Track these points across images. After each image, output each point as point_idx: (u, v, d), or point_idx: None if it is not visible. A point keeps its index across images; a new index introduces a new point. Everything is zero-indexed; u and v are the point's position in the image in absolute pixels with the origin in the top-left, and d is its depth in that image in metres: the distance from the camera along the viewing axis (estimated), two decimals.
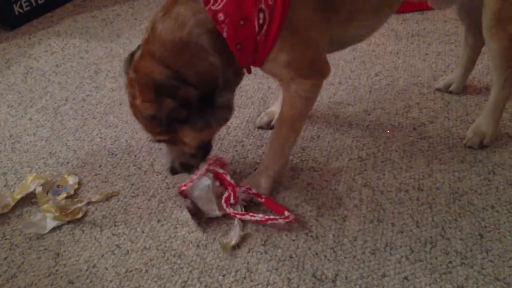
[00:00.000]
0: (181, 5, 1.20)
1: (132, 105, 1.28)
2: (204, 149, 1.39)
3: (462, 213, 1.36)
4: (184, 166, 1.39)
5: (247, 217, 1.35)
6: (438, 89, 1.84)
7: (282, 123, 1.40)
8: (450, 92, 1.82)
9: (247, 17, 1.20)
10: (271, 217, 1.34)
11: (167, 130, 1.28)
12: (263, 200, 1.39)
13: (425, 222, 1.33)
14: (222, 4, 1.18)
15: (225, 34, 1.20)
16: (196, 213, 1.39)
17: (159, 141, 1.35)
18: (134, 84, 1.25)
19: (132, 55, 1.30)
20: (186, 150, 1.35)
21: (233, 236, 1.31)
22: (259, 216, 1.34)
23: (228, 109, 1.29)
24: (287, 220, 1.33)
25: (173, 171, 1.40)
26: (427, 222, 1.33)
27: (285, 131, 1.40)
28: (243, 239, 1.31)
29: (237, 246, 1.29)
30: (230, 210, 1.36)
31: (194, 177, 1.41)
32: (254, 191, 1.42)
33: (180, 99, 1.21)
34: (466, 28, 1.72)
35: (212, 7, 1.19)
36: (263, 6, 1.19)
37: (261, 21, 1.20)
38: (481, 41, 1.70)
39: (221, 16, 1.19)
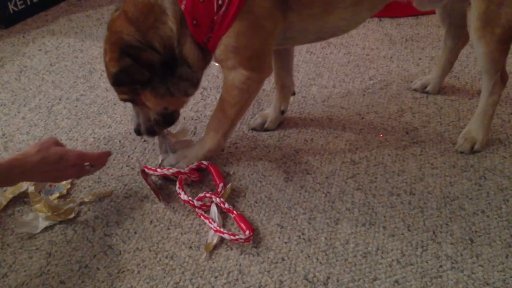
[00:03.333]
0: None
1: (104, 62, 1.39)
2: (168, 117, 1.49)
3: (453, 217, 1.37)
4: (148, 130, 1.49)
5: (206, 221, 1.35)
6: (415, 89, 1.87)
7: (217, 106, 1.48)
8: (427, 93, 1.85)
9: None
10: (226, 231, 1.30)
11: (130, 90, 1.39)
12: (234, 214, 1.37)
13: (416, 226, 1.35)
14: None
15: (183, 7, 1.27)
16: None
17: (124, 100, 1.45)
18: (107, 41, 1.36)
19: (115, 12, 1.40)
20: (150, 114, 1.45)
21: (213, 236, 1.31)
22: (214, 225, 1.32)
23: (189, 82, 1.39)
24: (242, 240, 1.28)
25: (138, 132, 1.51)
26: (419, 226, 1.35)
27: (220, 114, 1.47)
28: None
29: (229, 248, 1.30)
30: (185, 197, 1.39)
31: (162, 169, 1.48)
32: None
33: (143, 61, 1.31)
34: (446, 30, 1.74)
35: None
36: None
37: (220, 2, 1.26)
38: (460, 44, 1.74)
39: None
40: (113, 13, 1.39)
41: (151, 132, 1.50)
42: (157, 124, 1.48)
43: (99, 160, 1.42)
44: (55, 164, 1.28)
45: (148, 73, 1.32)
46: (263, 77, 1.43)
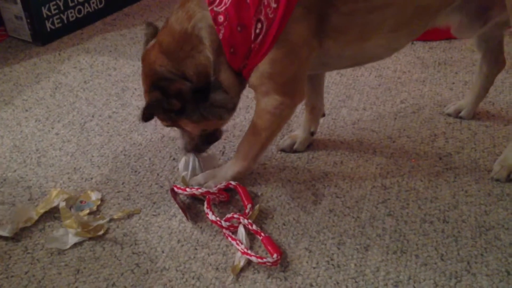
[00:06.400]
0: (193, 0, 1.31)
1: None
2: (210, 136, 1.53)
3: (489, 248, 1.32)
4: (195, 148, 1.54)
5: (233, 242, 1.34)
6: (448, 114, 1.84)
7: (249, 129, 1.48)
8: (461, 118, 1.82)
9: (245, 25, 1.26)
10: (254, 254, 1.29)
11: (167, 118, 1.43)
12: (262, 237, 1.36)
13: (450, 255, 1.30)
14: (224, 7, 1.26)
15: (220, 36, 1.28)
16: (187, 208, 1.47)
17: (166, 125, 1.50)
18: (142, 72, 1.42)
19: (148, 39, 1.46)
20: (193, 135, 1.49)
21: (241, 258, 1.30)
22: (241, 247, 1.31)
23: (222, 108, 1.39)
24: (269, 263, 1.27)
25: (186, 150, 1.55)
26: (452, 255, 1.30)
27: (251, 137, 1.47)
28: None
29: (256, 271, 1.28)
30: (213, 217, 1.39)
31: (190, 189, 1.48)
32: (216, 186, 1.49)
33: (172, 92, 1.34)
34: (482, 55, 1.71)
35: (215, 8, 1.27)
36: (262, 17, 1.25)
37: (257, 31, 1.26)
38: (496, 69, 1.71)
39: (221, 18, 1.27)
40: (146, 44, 1.45)
41: (199, 150, 1.55)
42: (202, 143, 1.53)
43: None
44: None
45: (178, 102, 1.36)
46: (296, 103, 1.42)
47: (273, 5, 1.23)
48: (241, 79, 1.38)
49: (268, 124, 1.42)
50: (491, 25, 1.49)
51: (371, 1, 1.29)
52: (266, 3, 1.24)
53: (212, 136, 1.54)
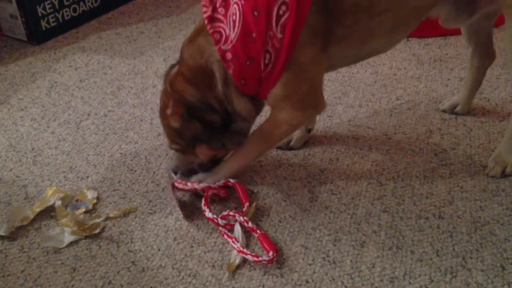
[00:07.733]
0: (202, 37, 1.33)
1: (162, 112, 1.43)
2: (215, 162, 1.53)
3: (484, 243, 1.33)
4: (189, 172, 1.52)
5: (229, 240, 1.34)
6: (444, 110, 1.84)
7: (259, 132, 1.48)
8: (456, 114, 1.82)
9: (253, 58, 1.28)
10: (249, 252, 1.29)
11: (184, 143, 1.43)
12: (258, 234, 1.36)
13: (445, 251, 1.31)
14: (231, 44, 1.28)
15: (231, 71, 1.30)
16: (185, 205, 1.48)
17: (175, 149, 1.49)
18: (168, 96, 1.40)
19: (172, 67, 1.46)
20: (196, 161, 1.49)
21: (236, 256, 1.30)
22: (237, 245, 1.31)
23: (241, 135, 1.43)
24: (265, 262, 1.27)
25: (175, 172, 1.53)
26: (448, 251, 1.31)
27: (260, 140, 1.48)
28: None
29: (252, 268, 1.28)
30: (209, 215, 1.39)
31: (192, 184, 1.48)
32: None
33: (206, 123, 1.36)
34: (472, 48, 1.72)
35: (222, 47, 1.29)
36: (269, 48, 1.26)
37: (267, 61, 1.28)
38: (487, 62, 1.72)
39: (229, 56, 1.29)
40: (168, 69, 1.45)
41: (190, 173, 1.53)
42: (202, 168, 1.52)
43: None
44: None
45: (209, 132, 1.38)
46: (316, 113, 1.48)
47: (279, 35, 1.24)
48: (257, 102, 1.40)
49: (283, 133, 1.45)
50: (479, 16, 1.50)
51: (371, 10, 1.31)
52: (272, 34, 1.24)
53: (216, 162, 1.54)
